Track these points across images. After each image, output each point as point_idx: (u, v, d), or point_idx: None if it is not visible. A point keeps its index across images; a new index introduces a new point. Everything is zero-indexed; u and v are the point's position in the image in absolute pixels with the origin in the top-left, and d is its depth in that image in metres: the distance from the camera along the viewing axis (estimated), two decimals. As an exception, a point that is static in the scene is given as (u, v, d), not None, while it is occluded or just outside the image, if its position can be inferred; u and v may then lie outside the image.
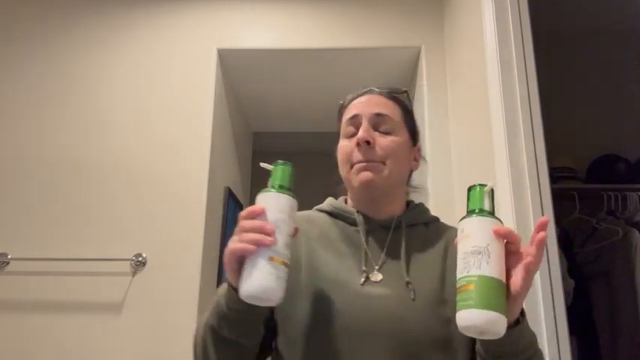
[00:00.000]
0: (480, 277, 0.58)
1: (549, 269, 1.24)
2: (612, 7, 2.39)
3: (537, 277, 1.23)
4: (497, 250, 0.59)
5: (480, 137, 1.62)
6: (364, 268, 0.78)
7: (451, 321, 0.72)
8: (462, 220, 0.64)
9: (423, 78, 2.10)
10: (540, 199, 1.30)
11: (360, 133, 0.81)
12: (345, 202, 0.91)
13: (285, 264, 0.63)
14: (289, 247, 0.64)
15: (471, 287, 0.58)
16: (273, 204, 0.64)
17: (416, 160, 0.91)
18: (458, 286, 0.60)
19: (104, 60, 2.13)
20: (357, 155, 0.81)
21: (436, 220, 0.91)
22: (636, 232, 1.96)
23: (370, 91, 0.89)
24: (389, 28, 2.15)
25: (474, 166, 1.70)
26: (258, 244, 0.62)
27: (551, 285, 1.23)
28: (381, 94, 0.88)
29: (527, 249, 0.61)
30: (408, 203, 0.91)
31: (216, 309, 0.72)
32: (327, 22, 2.17)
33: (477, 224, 0.61)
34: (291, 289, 0.76)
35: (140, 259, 1.86)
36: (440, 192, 1.93)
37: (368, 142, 0.80)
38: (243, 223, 0.64)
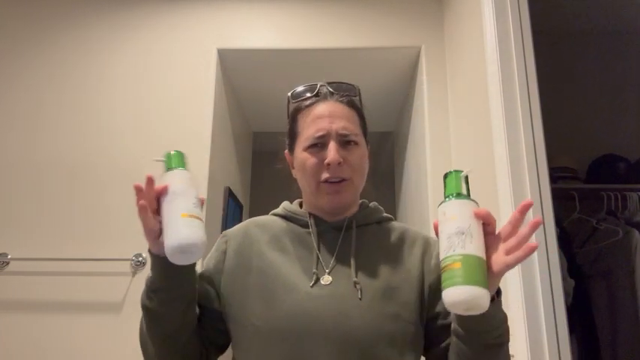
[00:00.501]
0: (466, 255, 0.61)
1: (549, 269, 1.24)
2: (612, 8, 2.39)
3: (537, 277, 1.24)
4: (478, 231, 0.63)
5: (480, 137, 1.62)
6: (315, 270, 0.79)
7: (399, 316, 0.76)
8: (442, 204, 0.67)
9: (423, 78, 2.09)
10: (540, 199, 1.30)
11: (332, 155, 0.80)
12: (300, 205, 0.93)
13: (197, 218, 0.71)
14: (199, 207, 0.73)
15: (458, 265, 0.60)
16: (174, 178, 0.75)
17: (369, 160, 0.92)
18: (443, 265, 0.63)
19: (104, 60, 2.12)
20: (326, 174, 0.81)
21: (389, 219, 0.92)
22: (636, 232, 1.96)
23: (328, 96, 0.87)
24: (389, 28, 2.15)
25: (475, 166, 1.70)
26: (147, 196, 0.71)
27: (551, 285, 1.23)
28: (341, 102, 0.86)
29: (511, 230, 0.65)
30: (361, 203, 0.93)
31: (145, 284, 0.78)
32: (327, 22, 2.17)
33: (458, 207, 0.65)
34: (240, 294, 0.80)
35: (140, 259, 1.86)
36: (440, 192, 1.92)
37: (339, 163, 0.81)
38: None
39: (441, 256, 0.63)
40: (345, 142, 0.83)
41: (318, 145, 0.82)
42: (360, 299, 0.76)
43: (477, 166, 1.66)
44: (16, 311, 1.84)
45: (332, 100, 0.86)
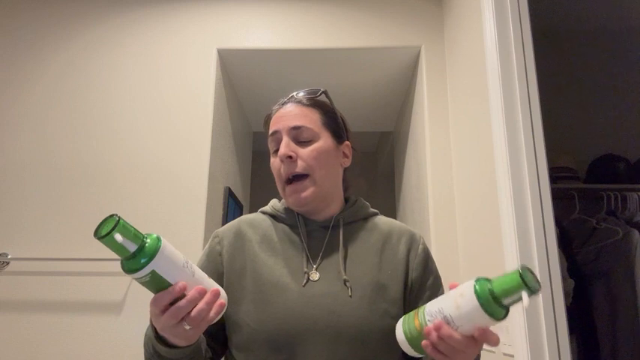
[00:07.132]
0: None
1: (549, 269, 1.24)
2: (612, 7, 2.39)
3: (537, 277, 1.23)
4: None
5: (480, 137, 1.62)
6: (305, 269, 0.81)
7: (388, 313, 0.78)
8: (473, 287, 0.59)
9: (423, 78, 2.10)
10: (540, 199, 1.30)
11: (281, 149, 0.84)
12: None
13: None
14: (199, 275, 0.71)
15: (419, 328, 0.65)
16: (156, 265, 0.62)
17: (346, 156, 0.93)
18: (417, 310, 0.66)
19: (103, 61, 2.13)
20: (283, 171, 0.85)
21: (375, 214, 0.94)
22: (636, 232, 1.96)
23: (289, 100, 0.91)
24: (389, 28, 2.15)
25: (474, 166, 1.70)
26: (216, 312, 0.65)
27: (551, 285, 1.23)
28: (299, 102, 0.90)
29: None
30: (347, 200, 0.94)
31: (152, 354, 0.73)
32: (326, 22, 2.17)
33: (474, 314, 0.58)
34: (236, 297, 0.81)
35: (140, 259, 1.86)
36: (440, 192, 1.93)
37: (290, 157, 0.83)
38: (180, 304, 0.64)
39: (425, 307, 0.65)
40: (298, 140, 0.86)
41: (276, 147, 0.86)
42: (350, 297, 0.78)
43: (477, 166, 1.66)
44: (17, 311, 1.84)
45: (290, 102, 0.90)
